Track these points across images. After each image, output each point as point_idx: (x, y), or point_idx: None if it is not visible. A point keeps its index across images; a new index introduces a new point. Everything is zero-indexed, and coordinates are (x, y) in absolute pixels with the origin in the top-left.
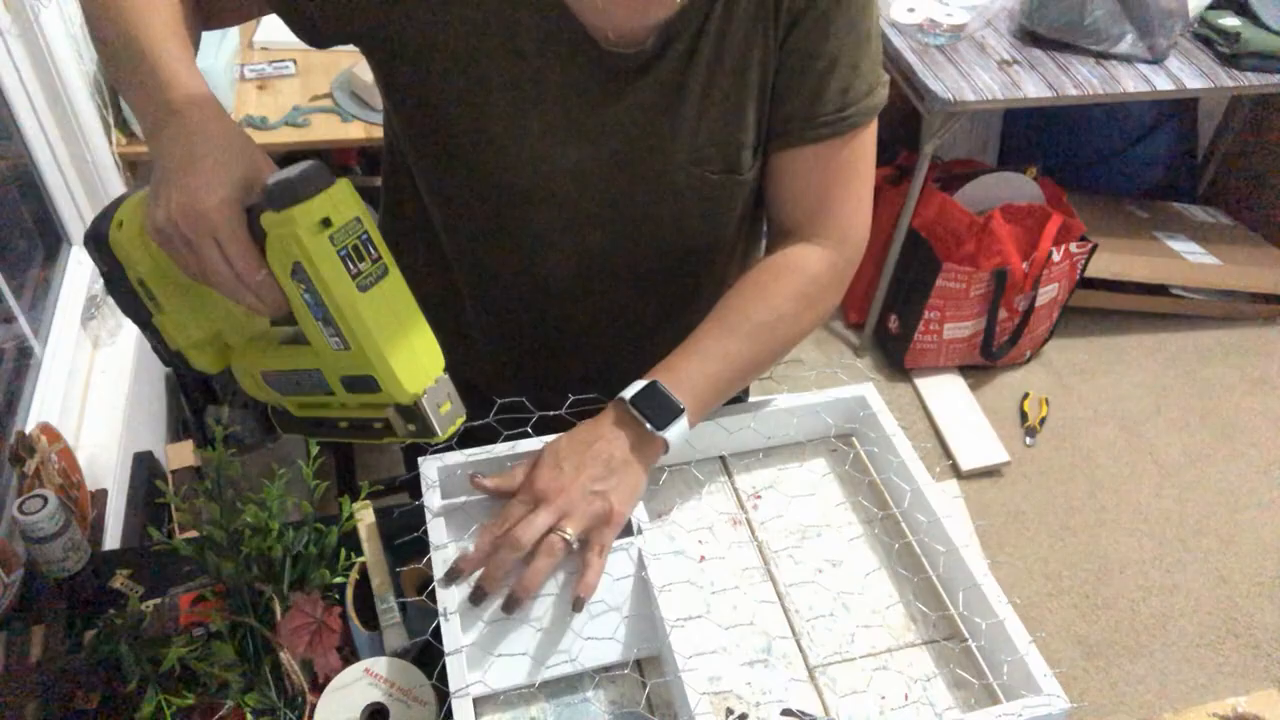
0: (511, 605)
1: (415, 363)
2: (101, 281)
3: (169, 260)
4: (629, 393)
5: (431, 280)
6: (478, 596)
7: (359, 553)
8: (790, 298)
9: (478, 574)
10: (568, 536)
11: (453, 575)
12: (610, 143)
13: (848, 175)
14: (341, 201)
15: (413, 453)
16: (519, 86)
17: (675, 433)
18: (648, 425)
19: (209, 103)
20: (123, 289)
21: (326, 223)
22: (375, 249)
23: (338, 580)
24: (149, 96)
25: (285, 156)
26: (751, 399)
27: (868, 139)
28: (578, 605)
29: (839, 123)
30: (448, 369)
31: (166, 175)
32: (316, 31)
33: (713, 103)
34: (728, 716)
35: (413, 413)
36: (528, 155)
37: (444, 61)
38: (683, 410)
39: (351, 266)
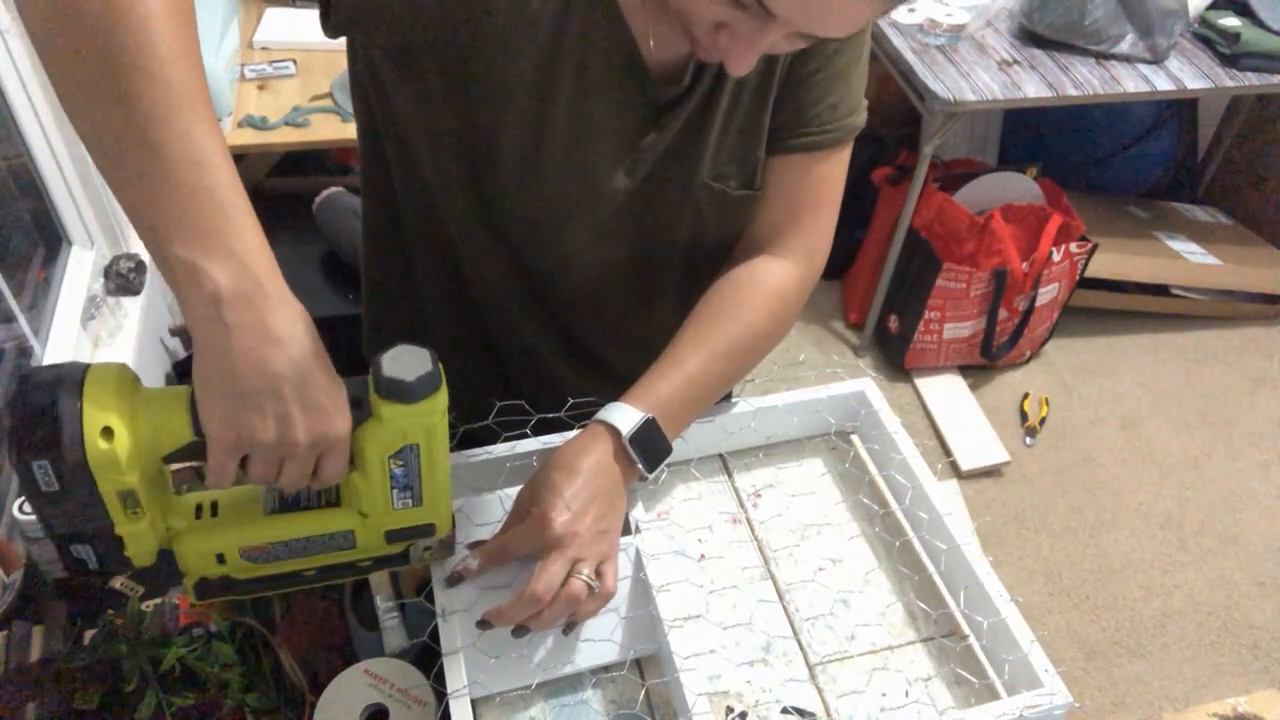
0: (521, 633)
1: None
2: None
3: (159, 466)
4: (626, 427)
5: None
6: (485, 626)
7: None
8: (764, 316)
9: (479, 576)
10: (587, 580)
11: (454, 579)
12: (643, 168)
13: (820, 192)
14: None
15: None
16: (579, 122)
17: (656, 470)
18: (640, 466)
19: (284, 285)
20: (80, 503)
21: (445, 408)
22: None
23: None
24: (224, 264)
25: (285, 156)
26: (752, 398)
27: (843, 161)
28: (569, 629)
29: (823, 134)
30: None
31: (274, 388)
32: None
33: (735, 123)
34: (727, 716)
35: (441, 540)
36: (573, 185)
37: (510, 92)
38: (670, 451)
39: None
